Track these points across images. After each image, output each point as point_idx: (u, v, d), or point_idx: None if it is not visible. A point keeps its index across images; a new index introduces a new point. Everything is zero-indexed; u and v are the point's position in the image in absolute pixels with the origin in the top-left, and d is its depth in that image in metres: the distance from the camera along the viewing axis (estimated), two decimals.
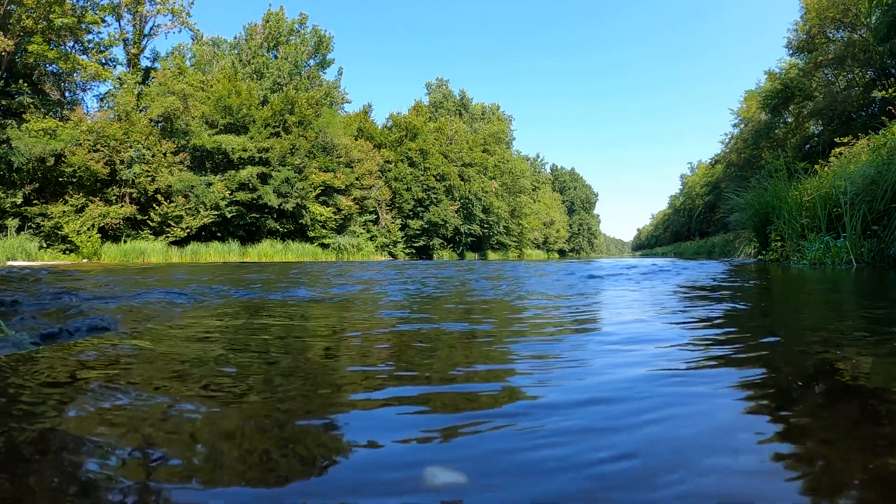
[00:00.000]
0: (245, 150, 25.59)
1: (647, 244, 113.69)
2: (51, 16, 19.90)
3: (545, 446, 0.71)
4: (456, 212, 41.34)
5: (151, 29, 26.08)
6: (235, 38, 35.12)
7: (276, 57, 34.24)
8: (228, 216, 24.76)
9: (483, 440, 0.74)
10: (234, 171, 25.36)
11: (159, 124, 23.77)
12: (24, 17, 19.50)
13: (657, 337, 1.57)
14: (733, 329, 1.79)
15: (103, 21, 23.52)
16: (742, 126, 42.54)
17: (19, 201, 19.32)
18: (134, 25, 25.52)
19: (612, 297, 3.09)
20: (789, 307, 2.64)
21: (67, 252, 19.68)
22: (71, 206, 20.11)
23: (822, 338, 1.55)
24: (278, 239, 26.81)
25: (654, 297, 2.97)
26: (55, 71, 22.19)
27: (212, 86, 27.28)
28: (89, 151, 20.43)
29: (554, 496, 0.57)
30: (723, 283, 4.03)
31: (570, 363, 1.22)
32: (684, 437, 0.74)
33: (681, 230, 68.70)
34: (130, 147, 21.61)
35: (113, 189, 21.76)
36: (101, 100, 24.67)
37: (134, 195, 22.28)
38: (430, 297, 3.25)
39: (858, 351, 1.33)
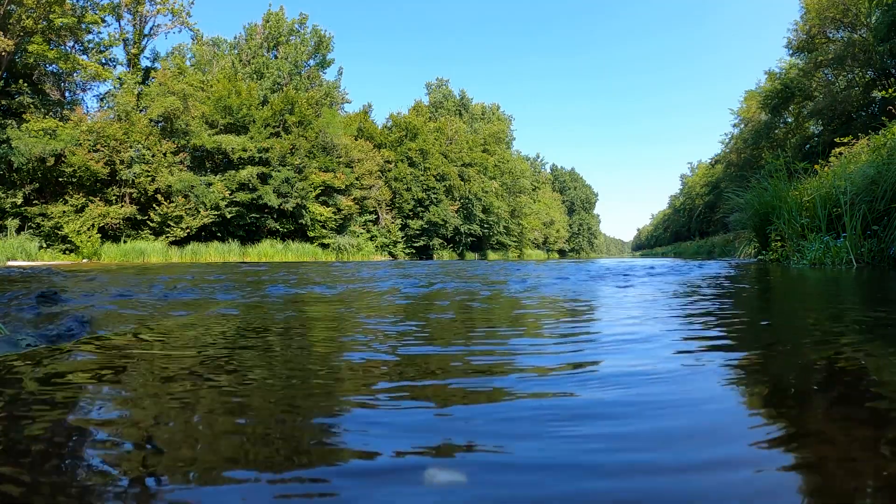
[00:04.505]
0: (245, 150, 25.59)
1: (647, 244, 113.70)
2: (51, 16, 19.90)
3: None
4: (456, 212, 41.33)
5: (151, 29, 26.10)
6: (235, 38, 35.15)
7: (276, 57, 34.24)
8: (228, 216, 24.75)
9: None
10: (234, 171, 25.35)
11: (159, 124, 23.77)
12: (24, 17, 19.49)
13: (656, 338, 1.57)
14: (733, 330, 1.79)
15: (103, 21, 23.52)
16: (742, 126, 42.56)
17: (19, 201, 19.32)
18: (134, 25, 25.52)
19: (612, 297, 3.09)
20: (790, 308, 2.64)
21: (67, 252, 19.68)
22: (71, 206, 20.10)
23: (822, 339, 1.55)
24: (278, 239, 26.81)
25: (653, 297, 2.97)
26: (55, 71, 22.18)
27: (212, 86, 27.28)
28: (89, 151, 20.44)
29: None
30: (723, 284, 4.03)
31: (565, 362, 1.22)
32: (680, 439, 0.74)
33: (681, 230, 68.69)
34: (130, 147, 21.61)
35: (113, 189, 21.76)
36: (101, 100, 24.70)
37: (134, 195, 22.28)
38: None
39: (859, 352, 1.33)
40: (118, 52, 26.32)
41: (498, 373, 1.13)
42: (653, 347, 1.39)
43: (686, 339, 1.55)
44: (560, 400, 0.92)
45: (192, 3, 26.22)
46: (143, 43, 25.89)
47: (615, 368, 1.14)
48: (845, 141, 10.16)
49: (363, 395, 0.98)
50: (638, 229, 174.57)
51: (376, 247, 32.61)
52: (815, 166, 8.43)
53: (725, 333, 1.66)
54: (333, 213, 28.71)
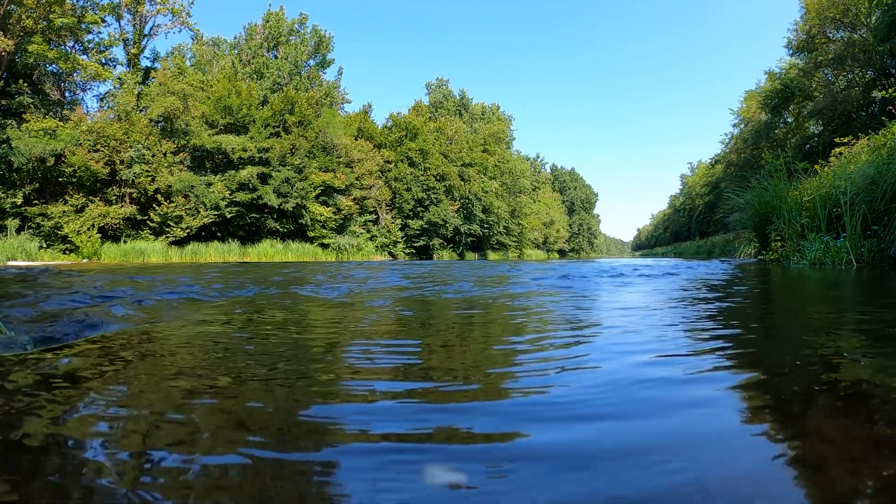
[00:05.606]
0: (245, 150, 25.57)
1: (647, 244, 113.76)
2: (51, 16, 19.88)
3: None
4: (456, 212, 41.31)
5: (151, 29, 26.08)
6: (235, 38, 35.14)
7: (276, 57, 34.23)
8: (228, 216, 24.74)
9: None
10: (234, 171, 25.34)
11: (159, 124, 23.76)
12: (24, 17, 19.48)
13: (657, 340, 1.57)
14: (732, 330, 1.79)
15: (103, 21, 23.50)
16: (742, 126, 42.58)
17: (19, 201, 19.31)
18: (134, 25, 25.51)
19: (612, 296, 3.09)
20: (790, 308, 2.64)
21: (67, 252, 19.67)
22: (71, 206, 20.09)
23: (823, 339, 1.55)
24: (278, 239, 26.80)
25: (653, 298, 2.97)
26: (55, 71, 22.17)
27: (212, 86, 27.26)
28: (89, 151, 20.42)
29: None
30: (722, 284, 4.03)
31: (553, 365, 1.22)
32: (683, 440, 0.74)
33: (681, 230, 68.72)
34: (130, 147, 21.60)
35: (113, 189, 21.74)
36: (101, 100, 24.68)
37: (134, 195, 22.26)
38: None
39: (860, 352, 1.33)
40: (118, 52, 26.36)
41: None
42: (650, 348, 1.39)
43: (687, 346, 1.55)
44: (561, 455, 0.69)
45: (192, 3, 26.24)
46: (143, 43, 25.88)
47: (618, 410, 0.92)
48: (845, 141, 10.16)
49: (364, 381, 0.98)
50: (638, 229, 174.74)
51: (376, 247, 32.60)
52: (815, 166, 8.43)
53: (727, 336, 1.66)
54: (333, 213, 28.70)
